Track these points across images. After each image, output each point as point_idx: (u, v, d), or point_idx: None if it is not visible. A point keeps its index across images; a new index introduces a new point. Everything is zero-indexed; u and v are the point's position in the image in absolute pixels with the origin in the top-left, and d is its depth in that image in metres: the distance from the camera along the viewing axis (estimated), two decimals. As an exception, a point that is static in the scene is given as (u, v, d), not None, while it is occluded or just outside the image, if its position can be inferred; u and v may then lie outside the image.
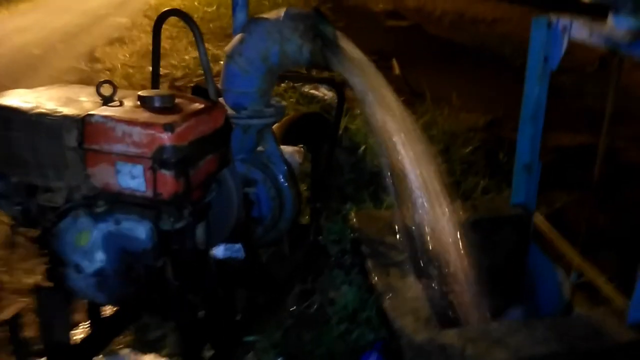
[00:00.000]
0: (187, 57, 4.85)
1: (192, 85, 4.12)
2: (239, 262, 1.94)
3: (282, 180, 1.92)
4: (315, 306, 2.02)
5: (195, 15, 6.38)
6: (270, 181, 1.91)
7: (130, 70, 4.66)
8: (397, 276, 1.90)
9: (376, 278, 1.89)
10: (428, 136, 4.01)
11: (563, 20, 1.90)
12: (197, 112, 1.25)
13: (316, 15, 1.75)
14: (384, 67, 5.72)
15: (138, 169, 1.17)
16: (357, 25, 7.13)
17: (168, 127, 1.15)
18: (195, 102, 1.32)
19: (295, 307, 2.03)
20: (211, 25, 6.07)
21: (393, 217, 2.22)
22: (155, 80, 1.59)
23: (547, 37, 1.99)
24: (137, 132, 1.15)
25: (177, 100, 1.29)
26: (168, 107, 1.24)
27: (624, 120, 4.26)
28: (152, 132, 1.15)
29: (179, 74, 4.39)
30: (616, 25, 1.64)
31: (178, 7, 6.36)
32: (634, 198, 3.16)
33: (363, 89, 1.71)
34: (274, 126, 2.71)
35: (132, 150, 1.16)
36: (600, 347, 1.62)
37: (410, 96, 5.06)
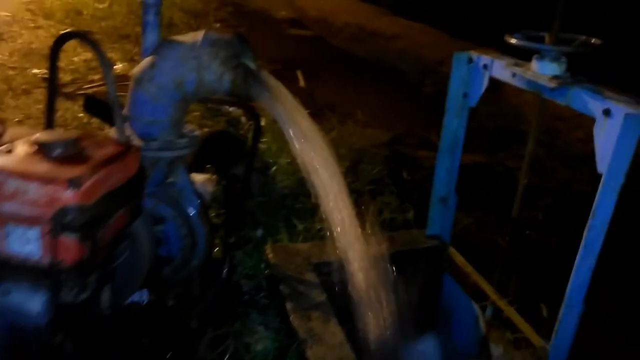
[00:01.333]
0: (75, 58, 4.40)
1: (82, 92, 3.75)
2: (143, 308, 1.73)
3: (194, 216, 1.75)
4: (229, 354, 1.86)
5: (85, 12, 5.86)
6: (180, 218, 1.73)
7: (11, 72, 4.14)
8: (319, 320, 1.79)
9: (297, 323, 1.77)
10: (337, 155, 4.00)
11: (484, 58, 1.90)
12: (108, 160, 1.06)
13: (239, 42, 1.60)
14: (288, 77, 5.67)
15: (33, 233, 0.96)
16: (260, 32, 6.98)
17: (73, 183, 0.95)
18: (105, 145, 1.12)
19: (207, 355, 1.86)
20: (103, 24, 5.59)
21: (311, 252, 2.12)
22: (49, 116, 1.35)
23: (468, 73, 1.99)
24: (34, 189, 0.93)
25: (82, 144, 1.08)
26: (72, 154, 1.03)
27: (517, 139, 4.55)
28: (53, 189, 0.94)
29: (67, 78, 3.96)
30: (539, 70, 1.66)
31: (66, 3, 5.82)
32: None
33: (286, 123, 1.60)
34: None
35: (27, 210, 0.95)
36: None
37: (316, 109, 5.02)
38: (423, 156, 4.46)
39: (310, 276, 2.00)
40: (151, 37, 1.58)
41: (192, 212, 1.74)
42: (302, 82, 5.51)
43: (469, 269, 2.17)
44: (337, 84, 5.77)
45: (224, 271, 2.01)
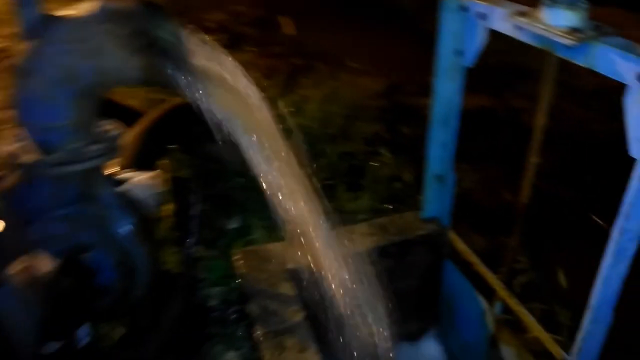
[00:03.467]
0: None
1: None
2: (82, 350, 1.44)
3: (127, 237, 1.42)
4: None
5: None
6: (109, 242, 1.40)
7: None
8: (294, 349, 1.49)
9: (268, 356, 1.46)
10: (326, 113, 3.61)
11: (480, 5, 1.49)
12: None
13: (147, 12, 1.20)
14: (270, 23, 5.18)
15: None
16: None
17: None
18: None
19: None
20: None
21: (287, 254, 1.79)
22: None
23: (461, 25, 1.58)
24: None
25: None
26: None
27: (523, 76, 4.09)
28: None
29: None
30: (552, 21, 1.25)
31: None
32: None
33: (233, 127, 1.25)
34: (133, 130, 2.15)
35: None
36: None
37: (306, 61, 4.58)
38: (424, 105, 4.04)
39: (286, 287, 1.68)
40: (29, 14, 1.19)
41: (124, 232, 1.41)
42: (289, 29, 5.03)
43: (473, 258, 1.84)
44: (328, 27, 5.26)
45: (183, 289, 1.70)
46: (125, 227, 1.41)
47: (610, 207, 1.21)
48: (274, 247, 1.83)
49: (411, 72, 4.36)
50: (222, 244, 2.14)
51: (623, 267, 1.22)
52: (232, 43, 4.76)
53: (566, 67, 1.34)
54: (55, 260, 1.29)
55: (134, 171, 1.63)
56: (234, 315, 1.76)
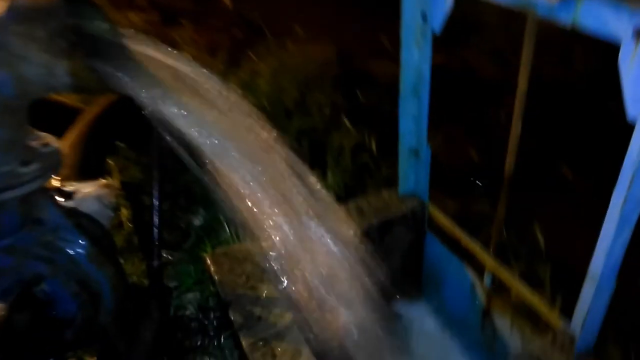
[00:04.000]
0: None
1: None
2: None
3: (83, 261, 1.25)
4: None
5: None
6: (65, 268, 1.23)
7: None
8: (287, 355, 1.38)
9: (256, 368, 1.35)
10: (278, 87, 3.44)
11: (445, -36, 1.36)
12: None
13: (69, 6, 1.02)
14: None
15: None
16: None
17: None
18: None
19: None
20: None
21: (262, 250, 1.66)
22: None
23: (426, -14, 1.45)
24: None
25: None
26: None
27: (477, 30, 4.01)
28: None
29: None
30: (530, -23, 1.13)
31: None
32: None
33: (189, 130, 1.10)
34: (71, 133, 1.96)
35: None
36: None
37: (249, 33, 4.36)
38: (377, 68, 3.91)
39: (267, 289, 1.56)
40: None
41: (78, 255, 1.25)
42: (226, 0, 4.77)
43: (457, 231, 1.76)
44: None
45: (155, 304, 1.55)
46: (78, 249, 1.25)
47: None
48: (247, 247, 1.69)
49: (360, 33, 4.22)
50: (189, 245, 1.99)
51: (626, 235, 1.16)
52: (166, 20, 4.48)
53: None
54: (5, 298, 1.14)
55: (79, 182, 1.46)
56: (215, 323, 1.63)
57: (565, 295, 1.77)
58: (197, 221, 2.14)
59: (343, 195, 2.49)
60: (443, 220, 1.81)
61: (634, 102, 1.05)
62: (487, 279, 1.72)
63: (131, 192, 1.95)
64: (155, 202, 1.65)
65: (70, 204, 1.34)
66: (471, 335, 1.87)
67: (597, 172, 2.50)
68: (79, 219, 1.30)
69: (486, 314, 1.77)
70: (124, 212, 1.94)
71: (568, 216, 2.38)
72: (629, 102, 1.06)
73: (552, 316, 1.47)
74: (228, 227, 2.00)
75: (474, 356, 1.87)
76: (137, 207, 1.90)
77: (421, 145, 1.74)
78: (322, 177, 2.58)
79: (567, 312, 1.45)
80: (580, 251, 2.14)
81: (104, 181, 1.53)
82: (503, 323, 1.71)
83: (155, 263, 1.57)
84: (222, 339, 1.57)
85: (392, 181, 2.04)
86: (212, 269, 1.62)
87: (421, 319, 2.06)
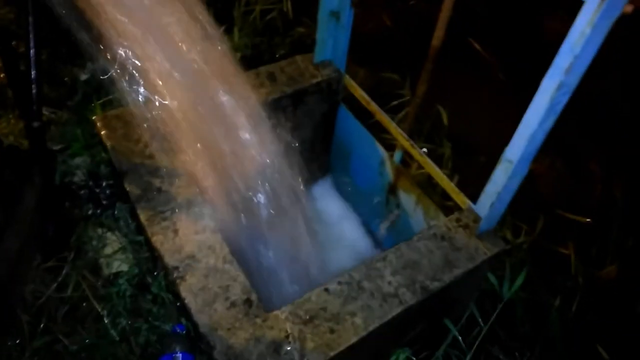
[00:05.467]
0: None
1: None
2: None
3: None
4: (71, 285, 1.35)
5: None
6: None
7: None
8: (190, 231, 1.28)
9: (159, 243, 1.25)
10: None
11: None
12: None
13: None
14: None
15: None
16: None
17: None
18: None
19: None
20: None
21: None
22: None
23: None
24: None
25: None
26: None
27: None
28: None
29: None
30: None
31: None
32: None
33: None
34: None
35: None
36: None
37: None
38: None
39: (169, 158, 1.41)
40: None
41: None
42: None
43: (372, 106, 1.69)
44: None
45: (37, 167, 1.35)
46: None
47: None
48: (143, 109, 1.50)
49: None
50: (75, 102, 1.75)
51: (550, 122, 1.15)
52: None
53: None
54: None
55: None
56: (108, 192, 1.48)
57: (465, 175, 1.83)
58: (84, 75, 1.87)
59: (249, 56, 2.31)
60: (359, 92, 1.72)
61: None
62: (397, 156, 1.70)
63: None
64: (32, 51, 1.38)
65: None
66: (375, 210, 1.90)
67: (505, 48, 2.49)
68: None
69: (392, 190, 1.79)
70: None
71: (474, 92, 2.38)
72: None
73: (460, 197, 1.49)
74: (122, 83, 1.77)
75: (376, 232, 1.92)
76: (9, 55, 1.60)
77: (343, 8, 1.59)
78: (227, 34, 2.35)
79: (464, 190, 1.48)
80: (483, 131, 2.19)
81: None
82: (408, 200, 1.74)
83: (36, 124, 1.35)
84: (116, 210, 1.43)
85: (307, 47, 1.89)
86: (102, 133, 1.43)
87: (326, 192, 2.05)
